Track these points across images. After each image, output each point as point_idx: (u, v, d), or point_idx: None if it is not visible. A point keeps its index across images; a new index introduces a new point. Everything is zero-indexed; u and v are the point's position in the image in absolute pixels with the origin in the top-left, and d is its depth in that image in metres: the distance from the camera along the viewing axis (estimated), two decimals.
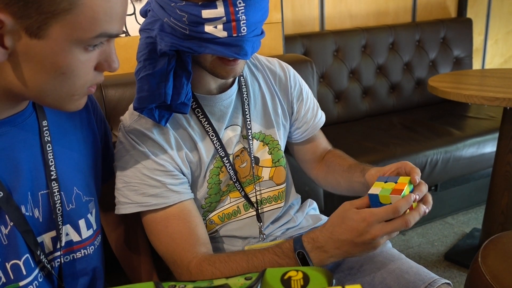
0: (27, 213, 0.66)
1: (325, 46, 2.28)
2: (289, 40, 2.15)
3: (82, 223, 0.74)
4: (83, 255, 0.75)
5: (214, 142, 0.88)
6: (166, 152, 0.83)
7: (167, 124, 0.84)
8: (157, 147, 0.83)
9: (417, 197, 0.71)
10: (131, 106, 0.88)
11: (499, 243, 1.20)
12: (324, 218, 1.04)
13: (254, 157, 0.95)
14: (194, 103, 0.87)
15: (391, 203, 0.70)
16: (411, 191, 0.73)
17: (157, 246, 0.83)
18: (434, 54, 2.60)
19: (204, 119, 0.87)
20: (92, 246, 0.77)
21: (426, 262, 1.92)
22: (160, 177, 0.82)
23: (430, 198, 0.75)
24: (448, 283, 0.82)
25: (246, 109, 0.92)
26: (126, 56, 1.22)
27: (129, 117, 0.86)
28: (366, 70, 2.41)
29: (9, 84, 0.57)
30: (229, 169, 0.90)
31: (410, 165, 0.78)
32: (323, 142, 1.10)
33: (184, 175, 0.86)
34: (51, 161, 0.69)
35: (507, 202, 1.74)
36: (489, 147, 2.09)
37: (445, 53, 2.63)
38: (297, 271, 0.54)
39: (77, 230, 0.74)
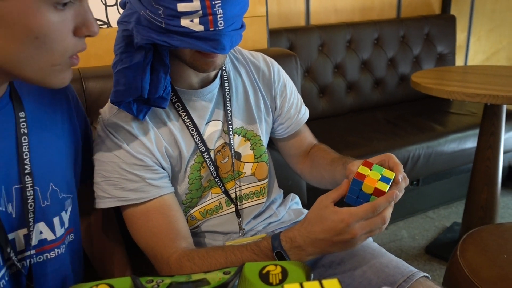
0: (0, 208, 0.63)
1: (310, 41, 2.28)
2: (274, 34, 2.15)
3: (56, 221, 0.71)
4: (56, 254, 0.72)
5: (195, 137, 0.87)
6: (145, 146, 0.82)
7: (147, 118, 0.83)
8: (136, 142, 0.82)
9: (400, 195, 0.72)
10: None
11: (477, 237, 1.22)
12: (306, 212, 1.04)
13: (236, 152, 0.94)
14: (174, 97, 0.86)
15: (371, 194, 0.71)
16: (382, 180, 0.74)
17: (138, 240, 0.83)
18: (418, 50, 2.62)
19: (184, 113, 0.86)
20: (64, 246, 0.74)
21: (407, 256, 1.95)
22: (139, 172, 0.81)
23: (399, 196, 0.75)
24: (426, 276, 0.83)
25: (227, 104, 0.91)
26: (107, 47, 1.20)
27: (109, 110, 0.85)
28: (351, 65, 2.42)
29: None
30: (210, 164, 0.89)
31: (393, 160, 0.77)
32: (308, 137, 1.10)
33: (164, 169, 0.85)
34: (26, 154, 0.66)
35: (486, 197, 1.77)
36: (470, 142, 2.12)
37: (429, 49, 2.65)
38: (275, 265, 0.54)
39: (51, 228, 0.70)
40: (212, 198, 0.93)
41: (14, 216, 0.65)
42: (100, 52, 1.22)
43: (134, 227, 0.83)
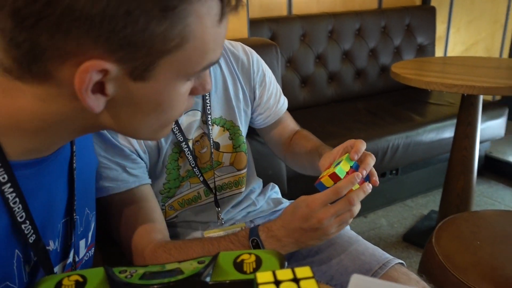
0: (49, 248, 0.59)
1: (292, 31, 2.27)
2: (256, 23, 2.13)
3: (82, 243, 0.68)
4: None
5: (172, 127, 0.86)
6: (124, 137, 0.81)
7: None
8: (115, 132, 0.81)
9: (365, 172, 0.72)
10: None
11: (452, 224, 1.25)
12: (286, 202, 1.05)
13: (214, 142, 0.94)
14: None
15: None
16: (355, 167, 0.74)
17: (112, 230, 0.83)
18: (398, 41, 2.64)
19: None
20: (83, 263, 0.70)
21: (385, 243, 1.98)
22: (120, 160, 0.80)
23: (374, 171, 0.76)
24: (401, 263, 0.85)
25: (206, 94, 0.91)
26: None
27: None
28: (332, 56, 2.42)
29: (100, 124, 0.52)
30: (188, 154, 0.89)
31: (352, 141, 0.78)
32: (291, 124, 1.09)
33: (142, 160, 0.84)
34: (75, 189, 0.62)
35: (462, 185, 1.81)
36: (448, 132, 2.16)
37: (409, 40, 2.68)
38: (250, 254, 0.54)
39: (77, 251, 0.67)
40: (190, 188, 0.93)
41: (58, 250, 0.62)
42: None
43: (109, 216, 0.82)
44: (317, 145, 0.98)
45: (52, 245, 0.60)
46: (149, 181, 0.85)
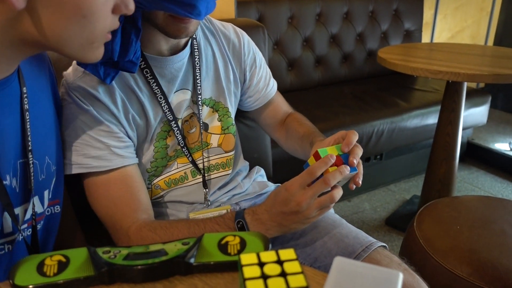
0: (6, 182, 0.62)
1: (279, 13, 2.25)
2: (243, 4, 2.10)
3: (46, 193, 0.71)
4: (41, 226, 0.72)
5: (162, 105, 0.86)
6: (111, 113, 0.80)
7: (114, 84, 0.81)
8: (103, 107, 0.80)
9: (355, 161, 0.73)
10: (75, 61, 0.83)
11: (434, 209, 1.28)
12: (271, 185, 1.05)
13: (203, 123, 0.94)
14: (143, 63, 0.83)
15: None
16: (343, 157, 0.74)
17: (96, 208, 0.82)
18: (386, 26, 2.64)
19: (153, 80, 0.84)
20: (46, 217, 0.74)
21: (368, 227, 2.02)
22: (105, 139, 0.79)
23: (361, 168, 0.76)
24: (384, 246, 0.87)
25: (197, 74, 0.90)
26: None
27: (73, 73, 0.82)
28: (320, 39, 2.41)
29: (25, 34, 0.54)
30: (177, 133, 0.88)
31: (344, 133, 0.78)
32: (283, 106, 1.09)
33: (129, 138, 0.84)
34: (29, 130, 0.66)
35: (444, 171, 1.84)
36: (432, 118, 2.19)
37: (397, 25, 2.68)
38: (234, 236, 0.54)
39: (42, 201, 0.70)
40: (177, 168, 0.93)
41: (17, 191, 0.64)
42: None
43: (94, 196, 0.81)
44: (309, 132, 0.98)
45: (9, 181, 0.63)
46: (136, 160, 0.85)
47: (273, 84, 1.07)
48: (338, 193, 0.72)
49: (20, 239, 0.67)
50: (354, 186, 0.76)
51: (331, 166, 0.71)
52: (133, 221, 0.78)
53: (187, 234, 0.75)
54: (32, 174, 0.66)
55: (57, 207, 0.76)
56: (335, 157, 0.71)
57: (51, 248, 0.78)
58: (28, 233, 0.69)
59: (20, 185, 0.65)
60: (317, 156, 0.72)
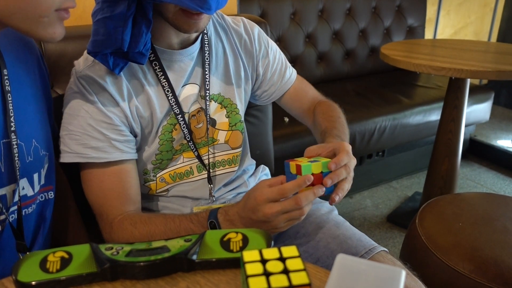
0: None
1: (282, 9, 2.24)
2: (246, 0, 2.10)
3: (36, 177, 0.73)
4: (32, 210, 0.73)
5: (169, 98, 0.86)
6: (117, 104, 0.81)
7: (122, 74, 0.81)
8: (108, 98, 0.80)
9: (330, 181, 0.69)
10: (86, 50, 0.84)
11: (436, 206, 1.28)
12: None
13: (211, 118, 0.93)
14: (153, 55, 0.84)
15: (296, 174, 0.69)
16: (325, 175, 0.70)
17: (88, 195, 0.84)
18: (389, 22, 2.63)
19: (161, 73, 0.85)
20: (37, 202, 0.75)
21: (370, 224, 2.02)
22: (105, 130, 0.80)
23: (345, 186, 0.72)
24: (385, 251, 0.87)
25: (206, 69, 0.90)
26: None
27: (83, 62, 0.83)
28: (322, 35, 2.40)
29: None
30: (183, 127, 0.88)
31: (341, 149, 0.73)
32: (308, 93, 1.06)
33: (131, 132, 0.84)
34: (11, 112, 0.67)
35: (446, 167, 1.83)
36: (435, 115, 2.18)
37: (400, 21, 2.66)
38: (236, 233, 0.54)
39: (31, 184, 0.72)
40: (183, 162, 0.93)
41: (3, 171, 0.66)
42: None
43: (87, 183, 0.83)
44: (328, 128, 0.93)
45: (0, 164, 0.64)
46: (135, 156, 0.85)
47: (291, 74, 1.05)
48: (309, 208, 0.70)
49: (7, 223, 0.68)
50: (332, 202, 0.72)
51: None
52: (119, 213, 0.81)
53: (163, 231, 0.77)
54: (16, 154, 0.67)
55: (50, 193, 0.78)
56: (312, 179, 0.67)
57: (45, 235, 0.79)
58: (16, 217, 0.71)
59: (5, 165, 0.66)
60: (298, 169, 0.69)
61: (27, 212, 0.72)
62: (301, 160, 0.73)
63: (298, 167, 0.69)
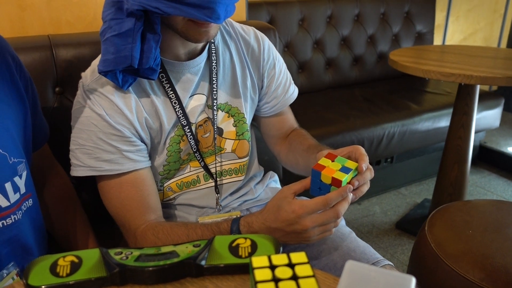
0: None
1: (290, 15, 2.25)
2: (254, 6, 2.11)
3: (8, 186, 0.69)
4: (13, 220, 0.71)
5: (177, 110, 0.86)
6: (125, 116, 0.80)
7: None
8: (116, 111, 0.80)
9: (357, 183, 0.71)
10: (94, 62, 0.84)
11: (445, 213, 1.26)
12: None
13: (218, 128, 0.93)
14: (160, 67, 0.84)
15: (331, 185, 0.70)
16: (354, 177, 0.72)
17: (109, 208, 0.84)
18: (397, 28, 2.62)
19: (168, 85, 0.85)
20: (20, 212, 0.73)
21: (378, 231, 2.00)
22: (116, 143, 0.80)
23: (365, 188, 0.74)
24: (390, 265, 0.86)
25: (213, 78, 0.90)
26: (79, 14, 1.16)
27: (90, 74, 0.82)
28: (330, 41, 2.41)
29: None
30: (190, 138, 0.88)
31: (360, 151, 0.75)
32: (291, 120, 1.08)
33: (142, 142, 0.84)
34: None
35: (456, 174, 1.82)
36: (444, 121, 2.17)
37: (408, 27, 2.66)
38: (245, 238, 0.54)
39: (4, 194, 0.69)
40: (190, 172, 0.93)
41: None
42: (72, 19, 1.17)
43: (106, 196, 0.83)
44: (315, 144, 0.96)
45: None
46: (149, 164, 0.85)
47: (293, 91, 1.05)
48: (341, 220, 0.72)
49: None
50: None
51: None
52: (141, 223, 0.81)
53: (185, 241, 0.76)
54: None
55: (30, 201, 0.76)
56: (352, 189, 0.69)
57: (40, 241, 0.78)
58: None
59: None
60: (336, 182, 0.69)
61: (5, 224, 0.69)
62: (326, 163, 0.72)
63: (336, 181, 0.69)
